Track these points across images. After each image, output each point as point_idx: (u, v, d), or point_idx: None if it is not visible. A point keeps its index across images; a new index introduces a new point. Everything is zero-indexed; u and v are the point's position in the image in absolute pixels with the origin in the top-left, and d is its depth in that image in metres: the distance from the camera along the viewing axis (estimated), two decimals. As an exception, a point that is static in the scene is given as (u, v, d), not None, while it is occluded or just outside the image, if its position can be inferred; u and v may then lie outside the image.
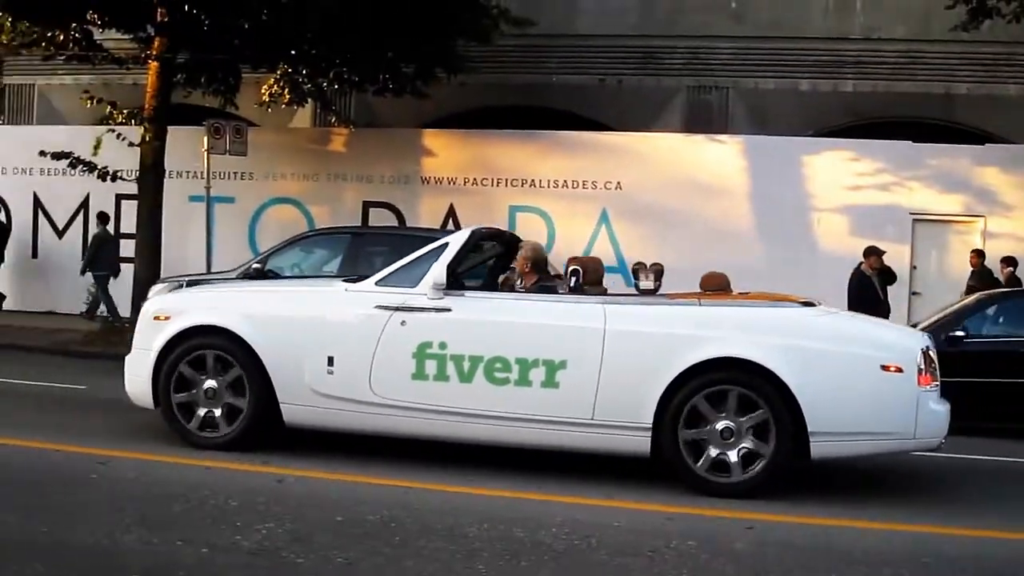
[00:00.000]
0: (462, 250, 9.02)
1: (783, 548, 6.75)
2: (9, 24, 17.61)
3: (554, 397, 8.41)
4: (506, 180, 19.90)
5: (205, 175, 17.85)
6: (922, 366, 8.23)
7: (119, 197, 20.67)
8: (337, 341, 8.90)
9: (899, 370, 8.20)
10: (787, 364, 8.14)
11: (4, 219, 21.36)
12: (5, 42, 18.52)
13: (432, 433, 8.78)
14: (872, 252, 15.80)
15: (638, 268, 14.94)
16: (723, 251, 18.36)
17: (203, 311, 9.31)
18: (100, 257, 19.55)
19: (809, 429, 8.09)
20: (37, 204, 21.76)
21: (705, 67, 21.81)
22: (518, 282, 9.44)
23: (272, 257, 14.08)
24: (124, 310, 18.29)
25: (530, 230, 18.57)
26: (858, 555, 6.67)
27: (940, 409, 8.39)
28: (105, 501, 7.21)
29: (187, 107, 19.93)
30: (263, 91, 19.14)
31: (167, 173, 18.17)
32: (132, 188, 18.51)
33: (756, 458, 8.17)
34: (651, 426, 8.26)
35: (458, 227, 19.26)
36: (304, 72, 18.47)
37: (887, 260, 15.97)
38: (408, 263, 9.06)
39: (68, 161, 17.75)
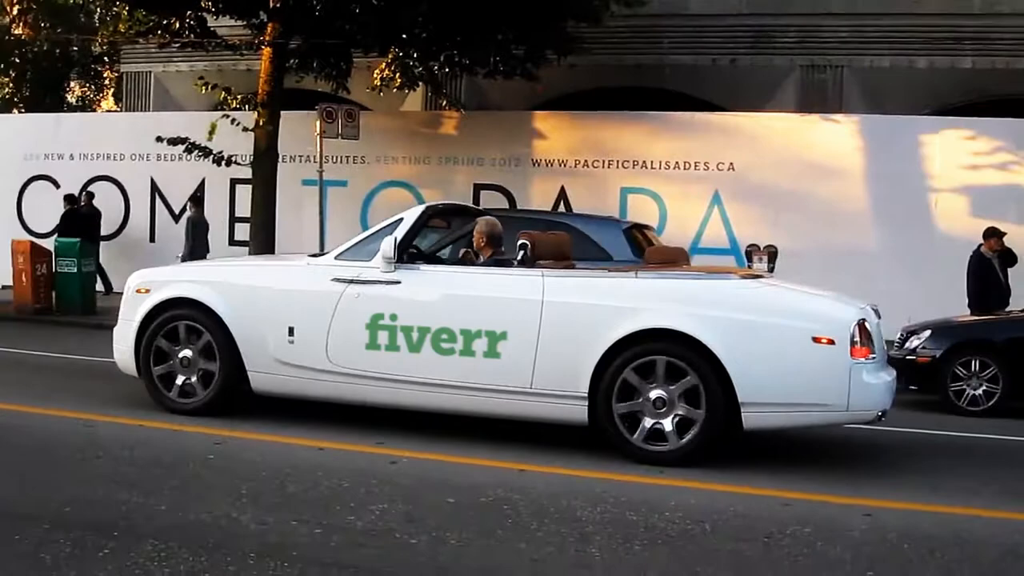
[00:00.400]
0: (414, 226, 9.35)
1: (902, 536, 6.58)
2: (126, 13, 17.91)
3: (495, 366, 8.70)
4: (617, 162, 19.77)
5: (318, 159, 17.99)
6: (856, 338, 8.21)
7: (234, 182, 20.97)
8: (297, 312, 9.36)
9: (831, 342, 8.20)
10: (717, 335, 8.26)
11: (82, 205, 21.55)
12: (123, 31, 18.85)
13: (384, 401, 9.18)
14: (992, 234, 15.37)
15: (751, 250, 14.83)
16: (838, 233, 18.13)
17: (178, 284, 9.87)
18: (195, 240, 19.78)
19: (740, 399, 8.20)
20: (154, 189, 22.15)
21: (818, 45, 21.48)
22: (477, 257, 9.70)
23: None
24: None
25: (642, 212, 18.48)
26: (988, 544, 6.50)
27: (876, 381, 8.36)
28: (221, 481, 7.28)
29: (299, 92, 20.13)
30: (375, 75, 19.23)
31: (281, 157, 18.33)
32: (247, 172, 18.74)
33: (691, 425, 8.29)
34: (587, 395, 8.48)
35: (569, 209, 19.23)
36: (415, 56, 18.52)
37: (1008, 242, 15.53)
38: (365, 238, 9.52)
39: (184, 147, 17.99)
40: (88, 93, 39.31)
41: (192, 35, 18.42)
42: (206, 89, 18.43)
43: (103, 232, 21.38)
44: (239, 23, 19.12)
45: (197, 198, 20.66)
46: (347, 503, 6.73)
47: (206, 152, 17.89)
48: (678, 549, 6.14)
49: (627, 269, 9.47)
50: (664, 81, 21.98)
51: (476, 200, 20.12)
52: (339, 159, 20.23)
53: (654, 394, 8.35)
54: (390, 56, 18.77)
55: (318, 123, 17.79)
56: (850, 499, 7.52)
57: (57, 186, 22.76)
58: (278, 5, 17.45)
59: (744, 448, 8.81)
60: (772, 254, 14.52)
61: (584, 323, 8.55)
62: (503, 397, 8.71)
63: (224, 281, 9.80)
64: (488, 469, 7.99)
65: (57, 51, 36.45)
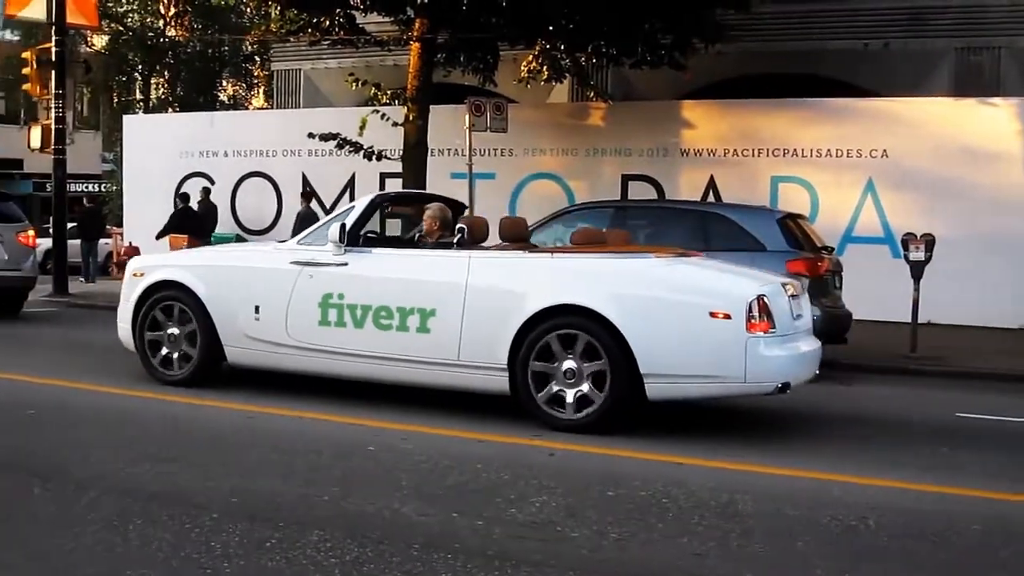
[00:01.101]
0: (363, 213, 10.13)
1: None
2: (278, 13, 18.23)
3: (427, 340, 9.43)
4: (767, 150, 19.52)
5: (467, 152, 18.09)
6: (754, 313, 8.56)
7: (383, 176, 21.21)
8: (262, 292, 10.29)
9: (727, 316, 8.57)
10: (619, 310, 8.75)
11: (186, 203, 21.95)
12: (274, 30, 19.20)
13: (334, 372, 10.04)
14: None
15: (908, 239, 14.47)
16: (997, 220, 17.62)
17: (166, 269, 10.99)
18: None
19: (641, 371, 8.66)
20: (305, 184, 22.49)
21: (976, 27, 20.90)
22: (427, 240, 10.31)
23: (536, 232, 14.12)
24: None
25: (793, 201, 18.20)
26: None
27: (774, 354, 8.68)
28: (381, 472, 7.37)
29: (446, 86, 20.29)
30: (522, 68, 19.27)
31: (429, 151, 18.47)
32: (396, 167, 18.93)
33: (598, 394, 8.79)
34: (507, 365, 9.08)
35: (718, 199, 19.03)
36: (562, 48, 18.50)
37: None
38: (323, 224, 10.36)
39: (335, 142, 18.24)
40: (239, 91, 40.16)
41: (341, 32, 18.64)
42: (356, 85, 18.67)
43: (257, 228, 21.84)
44: (386, 19, 19.31)
45: (307, 193, 21.09)
46: (507, 496, 6.75)
47: (357, 147, 18.12)
48: (842, 546, 6.02)
49: (547, 250, 10.18)
50: (813, 67, 21.60)
51: (624, 191, 20.04)
52: (487, 152, 20.33)
53: (567, 365, 8.89)
54: (537, 48, 18.78)
55: (467, 117, 17.88)
56: None
57: (212, 182, 23.30)
58: (426, 1, 17.59)
59: (891, 440, 8.61)
60: (929, 243, 14.14)
61: (502, 299, 9.20)
62: (435, 368, 9.43)
63: (203, 265, 10.91)
64: (646, 463, 7.92)
65: (209, 51, 37.37)
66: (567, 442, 8.42)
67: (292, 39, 20.34)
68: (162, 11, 36.12)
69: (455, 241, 9.79)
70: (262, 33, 19.76)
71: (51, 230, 22.06)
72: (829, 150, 19.15)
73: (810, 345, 9.46)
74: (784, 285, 9.31)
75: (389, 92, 18.40)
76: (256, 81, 40.04)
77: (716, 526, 6.23)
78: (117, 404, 9.88)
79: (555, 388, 8.95)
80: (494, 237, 9.94)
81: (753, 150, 19.61)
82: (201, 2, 23.16)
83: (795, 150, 19.31)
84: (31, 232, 17.69)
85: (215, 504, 6.36)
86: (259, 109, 35.54)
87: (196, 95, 36.61)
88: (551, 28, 17.86)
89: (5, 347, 13.76)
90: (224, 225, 22.50)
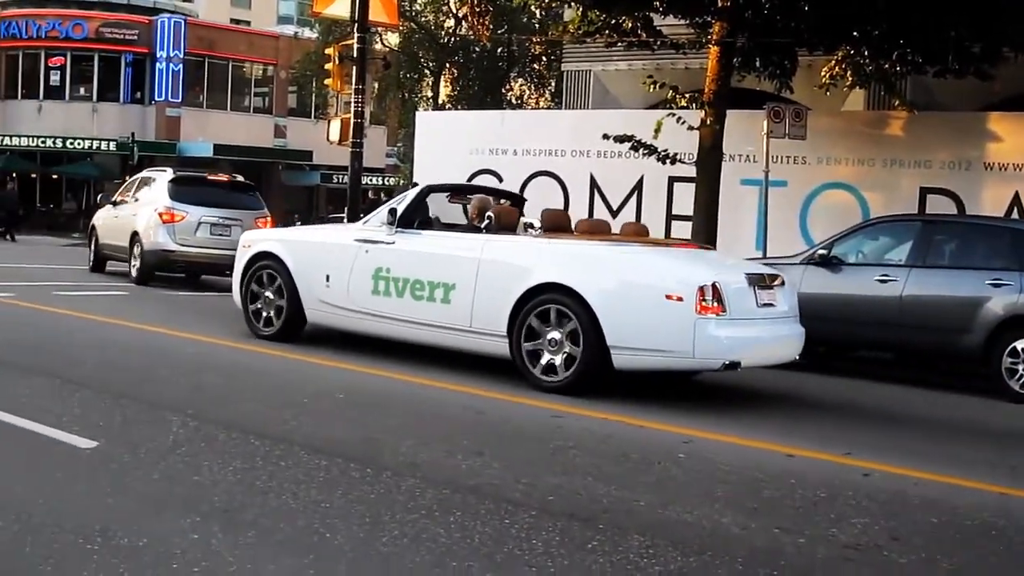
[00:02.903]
0: (413, 199, 12.02)
1: None
2: (579, 14, 18.32)
3: (448, 310, 11.12)
4: (1084, 166, 18.45)
5: (764, 159, 17.77)
6: (706, 296, 9.71)
7: (671, 180, 21.00)
8: (332, 264, 12.23)
9: (680, 299, 9.80)
10: (594, 289, 10.17)
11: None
12: (571, 31, 19.29)
13: (381, 333, 11.94)
14: None
15: None
16: None
17: (265, 242, 13.14)
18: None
19: (608, 342, 10.03)
20: (593, 185, 22.53)
21: None
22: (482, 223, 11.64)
23: (837, 243, 13.78)
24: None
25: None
26: None
27: (723, 334, 9.82)
28: (693, 480, 7.27)
29: (738, 91, 19.94)
30: (822, 74, 18.77)
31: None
32: (684, 171, 18.76)
33: (573, 361, 10.17)
34: (506, 334, 10.61)
35: (1022, 216, 18.12)
36: (866, 53, 17.93)
37: None
38: (385, 208, 12.16)
39: (630, 144, 18.19)
40: (527, 91, 40.70)
41: (643, 34, 18.58)
42: (654, 87, 18.52)
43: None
44: (682, 22, 19.15)
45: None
46: (826, 514, 6.56)
47: (652, 150, 18.01)
48: None
49: (547, 235, 11.33)
50: None
51: (922, 205, 19.30)
52: (779, 159, 19.85)
53: (551, 335, 10.36)
54: (840, 53, 18.25)
55: (765, 123, 17.56)
56: None
57: (500, 180, 23.60)
58: (727, 4, 17.36)
59: None
60: None
61: (505, 276, 10.75)
62: (453, 333, 11.14)
63: (292, 239, 13.14)
64: (969, 490, 7.58)
65: (499, 51, 38.02)
66: (879, 462, 8.16)
67: (588, 40, 20.34)
68: (454, 10, 37.12)
69: (483, 227, 11.44)
70: (559, 34, 19.85)
71: (345, 219, 22.85)
72: None
73: (780, 331, 10.73)
74: (750, 275, 10.51)
75: (688, 95, 18.13)
76: (543, 81, 40.50)
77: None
78: (416, 393, 10.17)
79: (542, 354, 10.38)
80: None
81: (1066, 165, 18.57)
82: (498, 2, 23.39)
83: (1118, 168, 18.18)
84: (268, 219, 20.77)
85: (533, 501, 6.40)
86: (547, 109, 35.84)
87: (483, 94, 37.25)
88: (856, 34, 17.34)
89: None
90: (510, 223, 22.81)
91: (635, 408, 9.78)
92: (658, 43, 19.06)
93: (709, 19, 18.24)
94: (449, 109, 34.64)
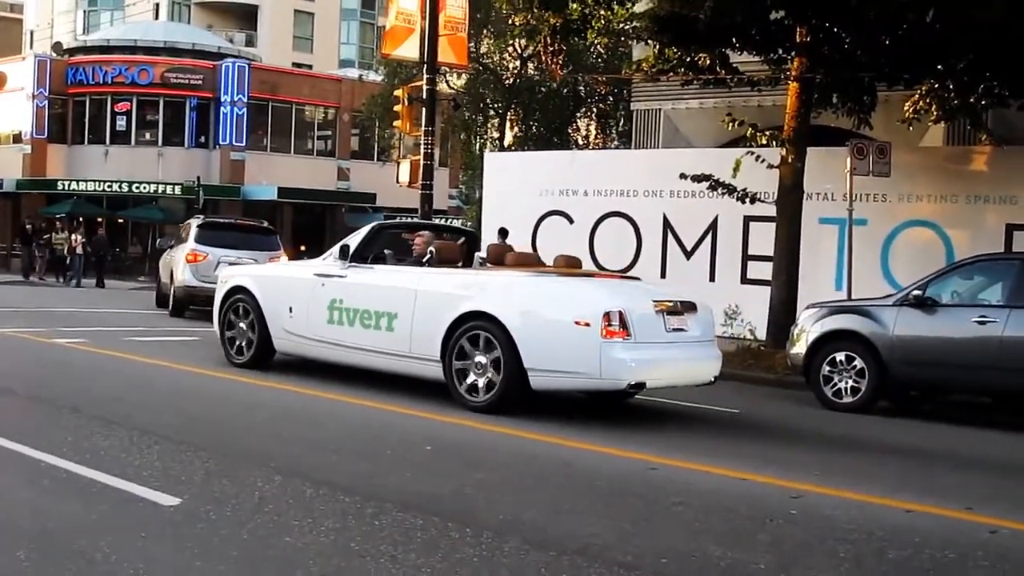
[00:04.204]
0: (365, 236, 13.03)
1: None
2: (656, 51, 18.03)
3: (391, 337, 12.03)
4: None
5: (848, 197, 17.30)
6: (613, 323, 10.50)
7: (747, 219, 20.61)
8: (294, 296, 13.24)
9: (587, 324, 10.58)
10: (512, 316, 11.01)
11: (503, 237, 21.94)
12: (645, 69, 18.97)
13: (337, 360, 12.88)
14: None
15: None
16: None
17: (238, 277, 14.23)
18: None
19: (525, 365, 10.85)
20: (667, 226, 22.13)
21: None
22: (424, 258, 12.86)
23: (932, 283, 13.28)
24: (761, 332, 18.11)
25: None
26: None
27: (627, 357, 10.60)
28: (811, 540, 6.84)
29: (812, 127, 19.49)
30: (905, 108, 18.29)
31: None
32: (760, 210, 18.37)
33: (493, 386, 11.00)
34: (440, 359, 11.44)
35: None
36: (951, 87, 17.44)
37: None
38: (343, 245, 13.00)
39: (708, 183, 17.82)
40: (592, 131, 40.39)
41: (723, 71, 18.24)
42: (733, 126, 18.16)
43: (615, 268, 21.61)
44: (756, 59, 18.79)
45: (503, 230, 21.37)
46: (961, 577, 6.11)
47: (730, 189, 17.64)
48: None
49: (479, 268, 12.78)
50: None
51: (1008, 242, 18.72)
52: (859, 197, 19.25)
53: (479, 359, 11.14)
54: (924, 88, 17.78)
55: (848, 160, 17.10)
56: None
57: (571, 221, 23.30)
58: (807, 40, 16.99)
59: None
60: None
61: (439, 306, 11.61)
62: (396, 359, 12.05)
63: (260, 275, 14.21)
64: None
65: (564, 91, 37.77)
66: (1004, 518, 7.65)
67: (663, 78, 20.02)
68: (519, 50, 36.97)
69: (424, 261, 12.71)
70: (632, 72, 19.56)
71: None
72: None
73: (690, 354, 11.45)
74: (658, 302, 11.20)
75: (769, 133, 17.72)
76: (609, 121, 40.21)
77: None
78: (502, 444, 9.75)
79: (469, 376, 11.20)
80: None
81: None
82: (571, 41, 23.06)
83: None
84: (283, 258, 22.34)
85: (645, 564, 6.05)
86: (615, 149, 35.50)
87: (549, 134, 37.00)
88: (939, 67, 16.88)
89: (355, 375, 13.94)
90: (584, 265, 22.26)
91: (734, 459, 9.37)
92: (734, 80, 18.72)
93: (786, 55, 17.90)
94: (515, 150, 34.29)
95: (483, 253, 13.74)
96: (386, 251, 13.18)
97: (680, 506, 7.51)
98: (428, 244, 12.97)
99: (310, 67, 64.81)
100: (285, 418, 10.49)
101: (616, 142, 39.33)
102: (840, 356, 13.37)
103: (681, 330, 11.29)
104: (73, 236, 40.44)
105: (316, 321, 12.83)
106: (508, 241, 23.41)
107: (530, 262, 12.98)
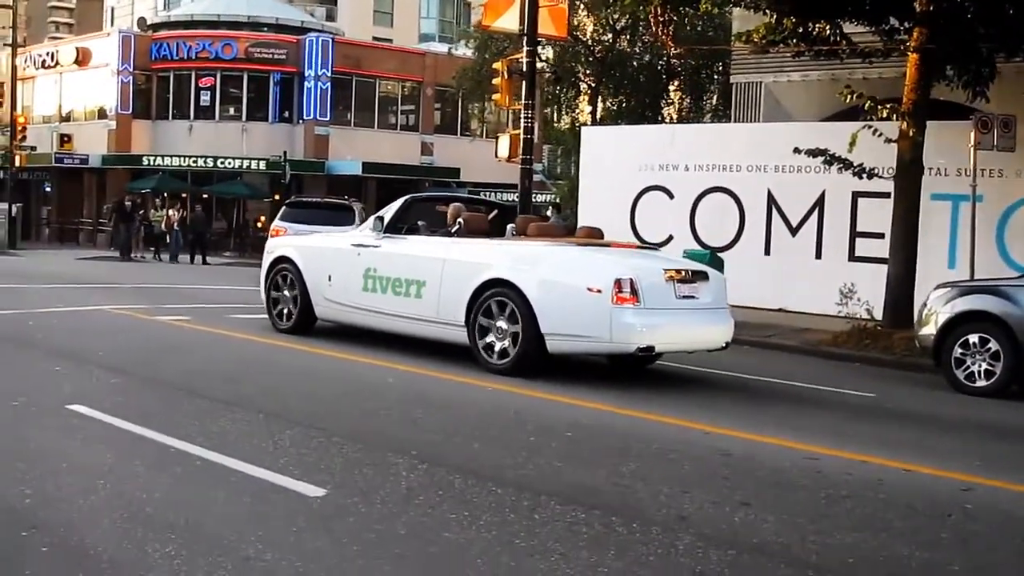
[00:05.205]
0: (398, 210, 13.68)
1: None
2: (773, 21, 17.51)
3: (420, 303, 12.68)
4: None
5: (972, 173, 16.70)
6: (624, 290, 11.08)
7: (856, 195, 20.03)
8: (333, 265, 13.95)
9: (599, 291, 11.19)
10: (531, 284, 11.62)
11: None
12: (756, 40, 18.42)
13: (371, 325, 13.61)
14: None
15: None
16: None
17: (284, 248, 15.15)
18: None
19: (542, 330, 11.47)
20: (771, 201, 21.57)
21: None
22: (452, 228, 13.26)
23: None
24: (877, 312, 17.55)
25: None
26: None
27: (635, 323, 11.16)
28: (997, 537, 6.45)
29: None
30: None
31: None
32: (870, 186, 17.83)
33: (513, 350, 11.64)
34: (464, 324, 12.07)
35: None
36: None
37: None
38: (377, 216, 13.84)
39: (823, 159, 17.29)
40: (685, 104, 39.68)
41: (843, 42, 17.68)
42: (851, 98, 17.57)
43: (716, 244, 21.14)
44: (865, 29, 18.19)
45: (556, 204, 21.06)
46: None
47: (846, 164, 17.10)
48: None
49: (502, 239, 13.09)
50: None
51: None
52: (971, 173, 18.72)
53: (499, 323, 11.75)
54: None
55: (972, 134, 16.47)
56: None
57: (671, 197, 22.81)
58: (928, 8, 16.38)
59: None
60: None
61: (464, 274, 12.22)
62: (424, 324, 12.72)
63: (303, 245, 14.98)
64: None
65: (659, 65, 37.20)
66: None
67: (772, 49, 19.42)
68: (612, 23, 36.44)
69: (453, 231, 13.08)
70: (744, 42, 19.02)
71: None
72: None
73: (700, 320, 12.01)
74: (667, 271, 11.70)
75: (889, 107, 17.10)
76: (704, 94, 39.54)
77: None
78: (646, 431, 9.36)
79: (492, 340, 11.83)
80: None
81: None
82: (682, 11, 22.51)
83: None
84: None
85: (832, 563, 5.68)
86: (716, 123, 34.81)
87: (641, 108, 36.44)
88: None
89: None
90: (683, 241, 21.79)
91: (887, 448, 8.94)
92: (846, 52, 18.14)
93: (900, 26, 17.30)
94: (607, 124, 33.78)
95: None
96: (419, 222, 13.67)
97: (848, 499, 7.09)
98: (457, 215, 13.34)
99: (390, 41, 64.47)
100: (417, 402, 10.12)
101: (709, 116, 38.65)
102: (973, 338, 12.81)
103: (692, 297, 11.86)
104: (171, 212, 40.58)
105: (352, 288, 13.52)
106: (601, 217, 23.07)
107: (552, 233, 13.46)
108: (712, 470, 7.80)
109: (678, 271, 11.90)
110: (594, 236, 13.37)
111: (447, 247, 12.76)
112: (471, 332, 12.03)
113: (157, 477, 6.87)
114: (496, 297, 11.83)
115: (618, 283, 11.11)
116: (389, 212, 13.70)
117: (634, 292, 11.14)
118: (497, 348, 11.80)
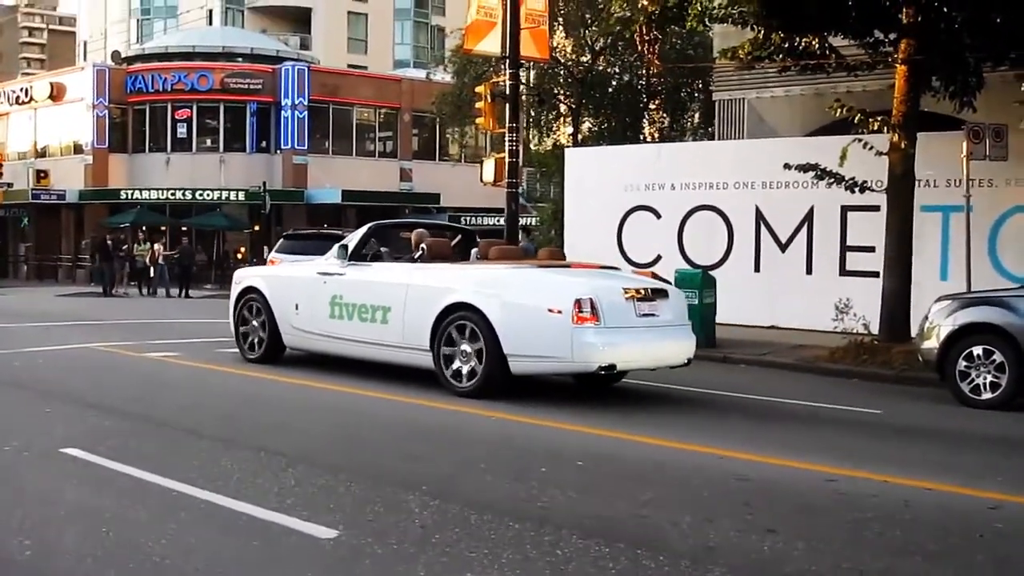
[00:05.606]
0: (362, 238, 13.86)
1: None
2: (760, 36, 17.39)
3: (386, 329, 12.86)
4: None
5: (964, 183, 16.57)
6: (584, 309, 11.24)
7: (844, 208, 19.95)
8: (300, 294, 14.16)
9: (559, 312, 11.34)
10: (492, 306, 11.77)
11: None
12: (741, 56, 18.29)
13: (338, 352, 13.77)
14: None
15: None
16: None
17: (250, 278, 15.19)
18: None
19: (505, 351, 11.62)
20: (759, 218, 21.44)
21: None
22: (415, 254, 13.53)
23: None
24: (874, 326, 17.37)
25: None
26: None
27: (595, 342, 11.29)
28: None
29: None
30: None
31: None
32: (859, 199, 17.73)
33: (477, 372, 11.78)
34: (429, 348, 12.23)
35: None
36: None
37: None
38: (343, 245, 13.84)
39: (814, 173, 17.17)
40: (665, 123, 39.51)
41: (832, 56, 17.57)
42: (839, 112, 17.45)
43: (705, 263, 20.97)
44: (851, 43, 18.10)
45: (526, 228, 22.56)
46: None
47: (838, 178, 16.96)
48: None
49: (464, 263, 13.55)
50: None
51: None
52: (961, 183, 18.60)
53: (464, 347, 11.91)
54: (1039, 66, 16.99)
55: (964, 144, 16.35)
56: None
57: (658, 216, 22.67)
58: (915, 20, 16.28)
59: None
60: None
61: (427, 299, 12.41)
62: (390, 349, 12.88)
63: (269, 275, 15.37)
64: None
65: (638, 84, 37.06)
66: None
67: (757, 65, 19.26)
68: (590, 43, 36.33)
69: (416, 257, 13.37)
70: (728, 59, 18.88)
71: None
72: None
73: (661, 337, 12.09)
74: (626, 290, 11.88)
75: (880, 119, 16.97)
76: (685, 114, 39.43)
77: None
78: (661, 457, 9.14)
79: (456, 363, 11.98)
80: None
81: None
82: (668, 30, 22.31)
83: None
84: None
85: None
86: (701, 141, 34.64)
87: (622, 128, 36.29)
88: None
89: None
90: (672, 260, 21.59)
91: (904, 467, 8.79)
92: (833, 66, 18.03)
93: (886, 38, 17.22)
94: (589, 145, 33.60)
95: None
96: (383, 249, 13.91)
97: (876, 522, 6.89)
98: (420, 241, 13.60)
99: (365, 68, 64.31)
100: (420, 435, 9.93)
101: (690, 135, 38.54)
102: (977, 350, 12.63)
103: (652, 315, 11.95)
104: (156, 246, 40.24)
105: (319, 316, 13.69)
106: (587, 238, 22.91)
107: (514, 256, 13.75)
108: (732, 496, 7.59)
109: (638, 290, 12.07)
110: (556, 257, 13.93)
111: (411, 273, 13.02)
112: (436, 356, 12.18)
113: (162, 523, 6.61)
114: (459, 321, 11.98)
115: (578, 303, 11.26)
116: (353, 240, 13.90)
117: (594, 311, 11.31)
118: (464, 371, 11.93)
